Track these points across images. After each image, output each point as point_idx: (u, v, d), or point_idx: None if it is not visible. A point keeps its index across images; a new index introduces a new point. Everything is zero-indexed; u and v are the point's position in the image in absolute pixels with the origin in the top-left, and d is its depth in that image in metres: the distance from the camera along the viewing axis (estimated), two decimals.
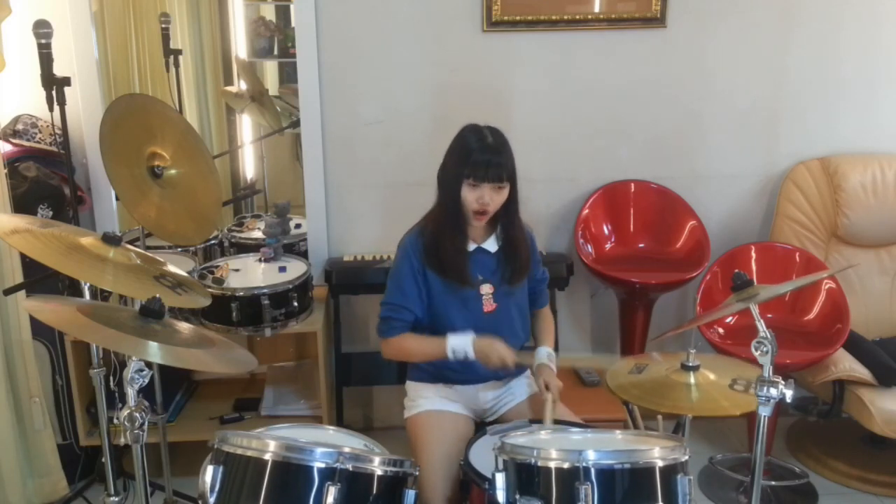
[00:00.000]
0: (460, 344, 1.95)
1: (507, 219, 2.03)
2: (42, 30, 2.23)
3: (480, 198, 1.93)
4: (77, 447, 2.73)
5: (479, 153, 1.92)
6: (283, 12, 3.57)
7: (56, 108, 2.30)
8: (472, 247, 2.04)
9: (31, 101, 2.72)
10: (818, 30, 2.89)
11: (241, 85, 3.54)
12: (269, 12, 3.59)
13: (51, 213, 2.63)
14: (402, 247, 2.05)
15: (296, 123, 3.08)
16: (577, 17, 2.82)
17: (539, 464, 1.49)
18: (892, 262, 2.95)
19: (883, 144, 3.00)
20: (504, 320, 2.08)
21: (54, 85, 2.28)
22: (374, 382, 3.10)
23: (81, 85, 2.70)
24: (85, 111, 2.76)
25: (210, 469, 1.51)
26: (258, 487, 1.49)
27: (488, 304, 2.05)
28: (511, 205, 2.01)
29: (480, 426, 2.06)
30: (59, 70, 2.29)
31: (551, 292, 2.90)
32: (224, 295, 2.46)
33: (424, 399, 2.10)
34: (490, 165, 1.90)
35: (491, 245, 2.06)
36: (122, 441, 1.53)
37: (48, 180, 2.64)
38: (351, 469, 1.50)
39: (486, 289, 2.05)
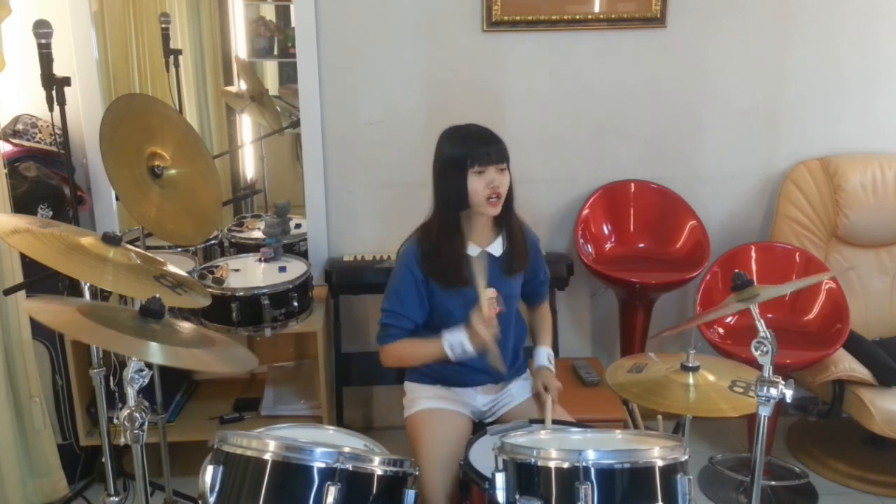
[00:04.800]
0: (456, 339, 1.92)
1: (506, 210, 2.02)
2: (42, 30, 2.23)
3: (491, 182, 1.92)
4: (77, 447, 2.73)
5: (477, 143, 1.93)
6: (283, 12, 3.57)
7: (56, 108, 2.30)
8: (476, 251, 2.03)
9: (31, 101, 2.72)
10: (818, 30, 2.90)
11: (241, 85, 3.54)
12: (269, 12, 3.59)
13: (51, 213, 2.63)
14: (401, 255, 2.04)
15: (296, 123, 3.08)
16: (577, 17, 2.82)
17: (539, 464, 1.49)
18: (892, 262, 2.95)
19: (883, 144, 3.00)
20: (506, 323, 2.07)
21: (54, 85, 2.28)
22: (374, 382, 3.11)
23: (81, 85, 2.70)
24: (85, 111, 2.76)
25: (210, 469, 1.52)
26: (258, 487, 1.49)
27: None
28: (508, 194, 2.01)
29: (480, 426, 2.07)
30: (59, 70, 2.29)
31: (551, 292, 2.90)
32: (224, 295, 2.46)
33: (423, 398, 2.10)
34: (491, 149, 1.92)
35: (496, 248, 2.05)
36: (122, 441, 1.53)
37: (48, 180, 2.64)
38: (351, 469, 1.50)
39: (490, 293, 2.04)
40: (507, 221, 2.05)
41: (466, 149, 1.93)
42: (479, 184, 1.93)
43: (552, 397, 2.02)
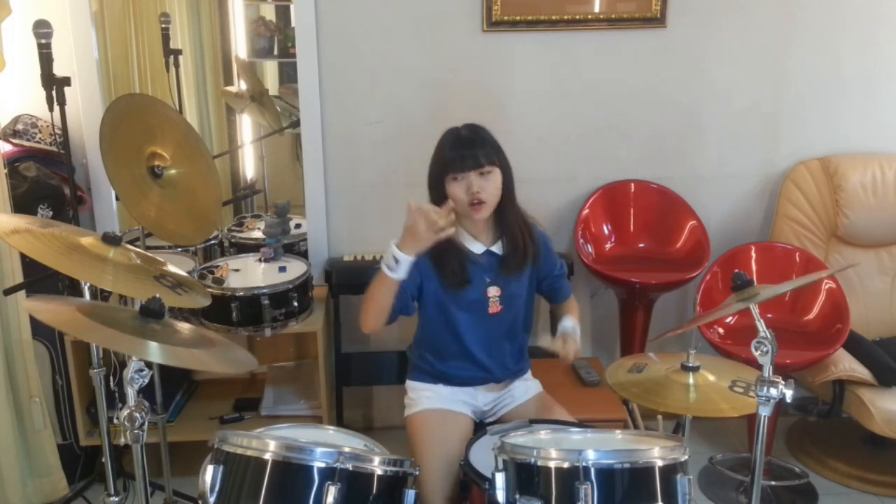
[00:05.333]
0: (387, 255, 1.82)
1: (503, 210, 2.01)
2: (42, 30, 2.23)
3: (469, 187, 1.90)
4: (77, 447, 2.73)
5: (452, 147, 1.93)
6: (283, 12, 3.57)
7: (56, 108, 2.30)
8: (480, 249, 2.03)
9: (31, 101, 2.72)
10: (818, 30, 2.89)
11: (241, 85, 3.54)
12: (269, 12, 3.59)
13: (51, 213, 2.63)
14: None
15: (296, 123, 3.08)
16: (577, 17, 2.82)
17: (539, 463, 1.49)
18: (892, 262, 2.95)
19: (883, 144, 3.00)
20: (508, 321, 2.08)
21: (54, 85, 2.28)
22: (374, 382, 3.11)
23: (81, 85, 2.70)
24: (85, 111, 2.76)
25: (210, 469, 1.51)
26: (258, 487, 1.49)
27: (494, 306, 2.04)
28: (505, 195, 1.99)
29: (480, 426, 2.07)
30: (59, 70, 2.29)
31: None
32: (224, 295, 2.46)
33: (425, 398, 2.10)
34: (465, 154, 1.90)
35: (499, 247, 2.05)
36: (122, 441, 1.53)
37: (48, 180, 2.64)
38: (351, 469, 1.50)
39: (494, 291, 2.04)
40: (504, 221, 2.03)
41: (444, 154, 1.94)
42: (458, 190, 1.92)
43: (568, 352, 1.95)
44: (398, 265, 1.82)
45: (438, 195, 1.96)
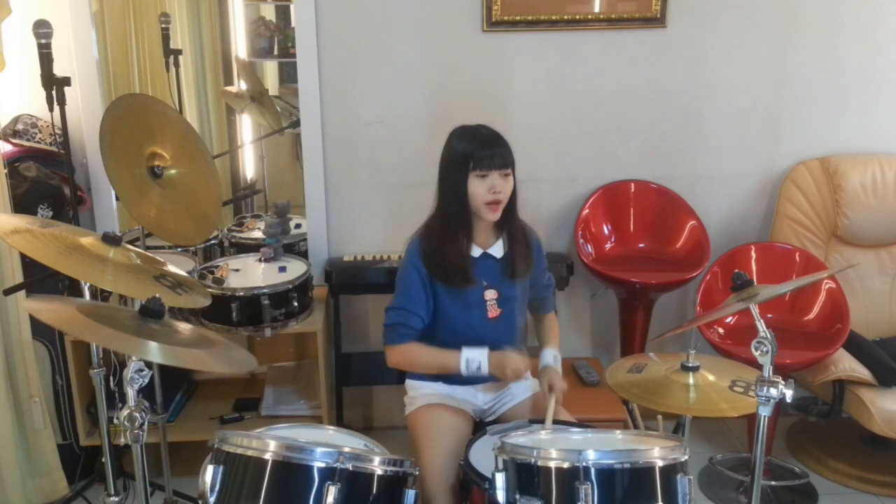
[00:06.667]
0: (475, 356, 1.94)
1: (509, 214, 2.02)
2: (42, 30, 2.23)
3: (492, 187, 1.92)
4: (77, 447, 2.73)
5: (481, 145, 1.93)
6: (283, 12, 3.57)
7: (56, 108, 2.30)
8: (478, 252, 2.03)
9: (31, 101, 2.72)
10: (818, 30, 2.90)
11: (241, 85, 3.54)
12: (269, 12, 3.59)
13: (51, 213, 2.63)
14: (409, 252, 2.04)
15: (296, 123, 3.08)
16: (577, 17, 2.82)
17: (539, 464, 1.49)
18: (892, 262, 2.95)
19: (883, 144, 3.00)
20: (507, 324, 2.08)
21: (54, 85, 2.28)
22: (374, 382, 3.11)
23: (81, 85, 2.70)
24: (85, 111, 2.76)
25: (210, 469, 1.52)
26: (258, 487, 1.49)
27: (493, 310, 2.04)
28: (511, 198, 2.00)
29: (480, 426, 2.07)
30: (59, 70, 2.29)
31: None
32: (224, 295, 2.46)
33: (425, 396, 2.10)
34: (494, 153, 1.92)
35: (497, 250, 2.05)
36: (122, 441, 1.53)
37: (48, 180, 2.64)
38: (351, 469, 1.50)
39: (491, 294, 2.04)
40: (508, 225, 2.04)
41: (470, 150, 1.93)
42: (481, 188, 1.92)
43: (556, 398, 2.02)
44: (473, 371, 1.95)
45: (455, 192, 1.95)
